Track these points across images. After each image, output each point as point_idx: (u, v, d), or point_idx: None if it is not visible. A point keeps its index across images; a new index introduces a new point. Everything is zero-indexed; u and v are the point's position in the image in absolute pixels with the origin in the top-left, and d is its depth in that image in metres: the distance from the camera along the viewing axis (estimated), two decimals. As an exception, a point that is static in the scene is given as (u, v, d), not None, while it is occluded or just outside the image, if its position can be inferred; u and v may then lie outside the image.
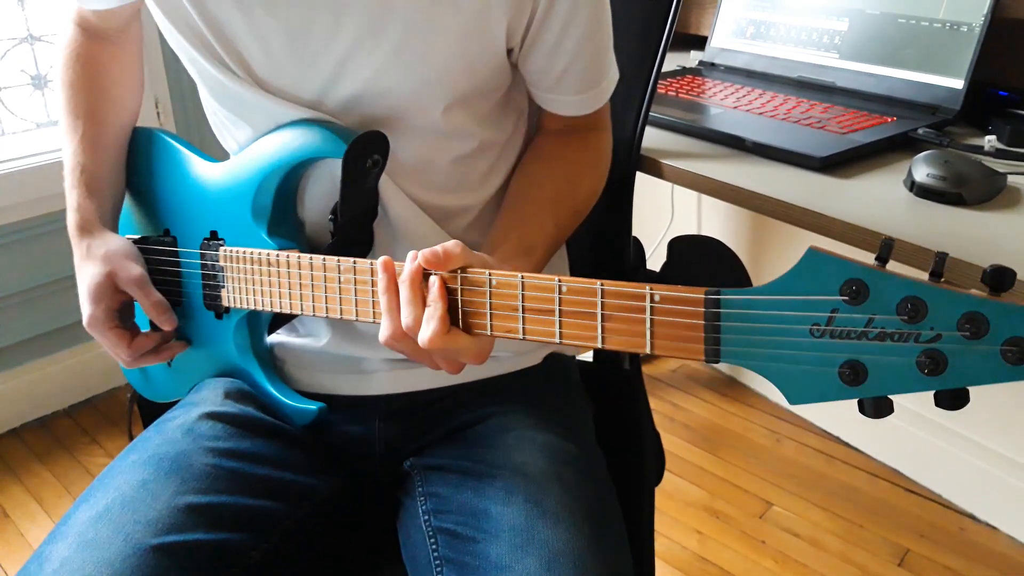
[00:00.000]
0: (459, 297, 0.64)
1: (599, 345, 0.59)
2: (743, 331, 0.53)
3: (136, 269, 0.81)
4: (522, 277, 0.61)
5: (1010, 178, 0.94)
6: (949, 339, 0.47)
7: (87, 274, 0.82)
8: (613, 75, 0.84)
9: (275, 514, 0.76)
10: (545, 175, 0.82)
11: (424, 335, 0.63)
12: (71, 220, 0.85)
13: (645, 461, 0.98)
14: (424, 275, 0.64)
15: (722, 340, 0.54)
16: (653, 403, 1.01)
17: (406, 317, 0.64)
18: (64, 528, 0.71)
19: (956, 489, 1.70)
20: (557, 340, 0.61)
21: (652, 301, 0.56)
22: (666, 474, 1.04)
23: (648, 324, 0.56)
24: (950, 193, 0.89)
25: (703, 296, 0.54)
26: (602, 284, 0.58)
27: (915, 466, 1.76)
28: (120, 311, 0.83)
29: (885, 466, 1.80)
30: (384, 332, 0.66)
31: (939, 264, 0.47)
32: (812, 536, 1.63)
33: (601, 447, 0.86)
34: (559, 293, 0.60)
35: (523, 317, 0.62)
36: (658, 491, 1.00)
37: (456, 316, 0.64)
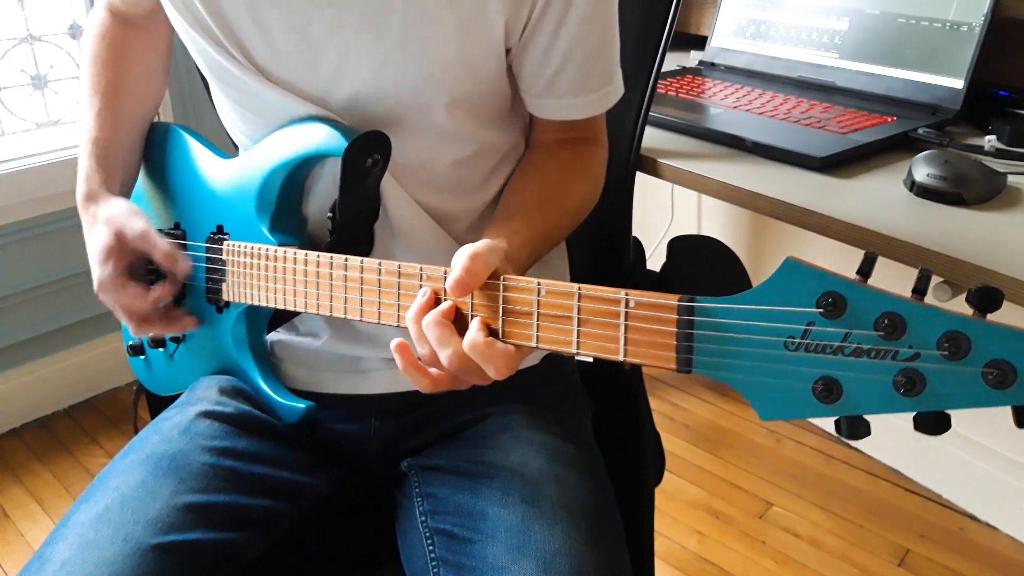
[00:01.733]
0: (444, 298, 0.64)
1: (573, 350, 0.58)
2: (716, 341, 0.51)
3: (140, 223, 0.80)
4: (504, 279, 0.61)
5: (1010, 178, 0.94)
6: (928, 358, 0.45)
7: (95, 239, 0.81)
8: (616, 87, 0.82)
9: (272, 513, 0.76)
10: (532, 181, 0.82)
11: (492, 374, 0.62)
12: (79, 191, 0.85)
13: (645, 461, 0.98)
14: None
15: (695, 350, 0.52)
16: (653, 403, 1.01)
17: (448, 361, 0.62)
18: (64, 529, 0.71)
19: (956, 489, 1.70)
20: (534, 343, 0.60)
21: (627, 307, 0.55)
22: (666, 474, 1.04)
23: (622, 330, 0.55)
24: (950, 193, 0.89)
25: (676, 303, 0.53)
26: (579, 288, 0.57)
27: (915, 466, 1.76)
28: (130, 271, 0.82)
29: (885, 466, 1.80)
30: (429, 389, 0.65)
31: (922, 280, 0.46)
32: (812, 536, 1.63)
33: (601, 447, 0.86)
34: (538, 296, 0.59)
35: (503, 320, 0.61)
36: (658, 491, 1.00)
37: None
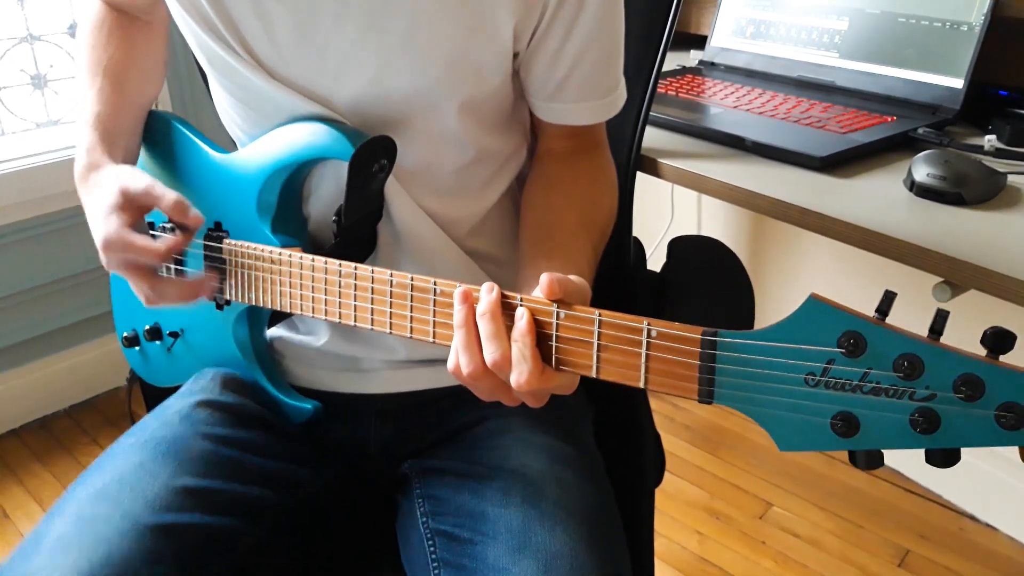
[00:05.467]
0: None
1: (593, 374, 0.59)
2: (738, 375, 0.53)
3: (144, 178, 0.75)
4: (520, 298, 0.61)
5: (1010, 178, 0.94)
6: (944, 399, 0.47)
7: (96, 200, 0.76)
8: (621, 93, 0.83)
9: (266, 502, 0.77)
10: (567, 202, 0.80)
11: (520, 377, 0.59)
12: (81, 163, 0.79)
13: (645, 462, 0.98)
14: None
15: (716, 382, 0.54)
16: (653, 403, 1.01)
17: (492, 353, 0.60)
18: (61, 506, 0.71)
19: (956, 490, 1.70)
20: (552, 364, 0.60)
21: (649, 336, 0.56)
22: (666, 474, 1.04)
23: (643, 359, 0.56)
24: (950, 193, 0.89)
25: (700, 336, 0.54)
26: (600, 314, 0.58)
27: (915, 466, 1.76)
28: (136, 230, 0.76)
29: (885, 466, 1.80)
30: (466, 369, 0.61)
31: (939, 321, 0.47)
32: (812, 537, 1.63)
33: (601, 448, 0.86)
34: (556, 319, 0.59)
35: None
36: (658, 492, 1.00)
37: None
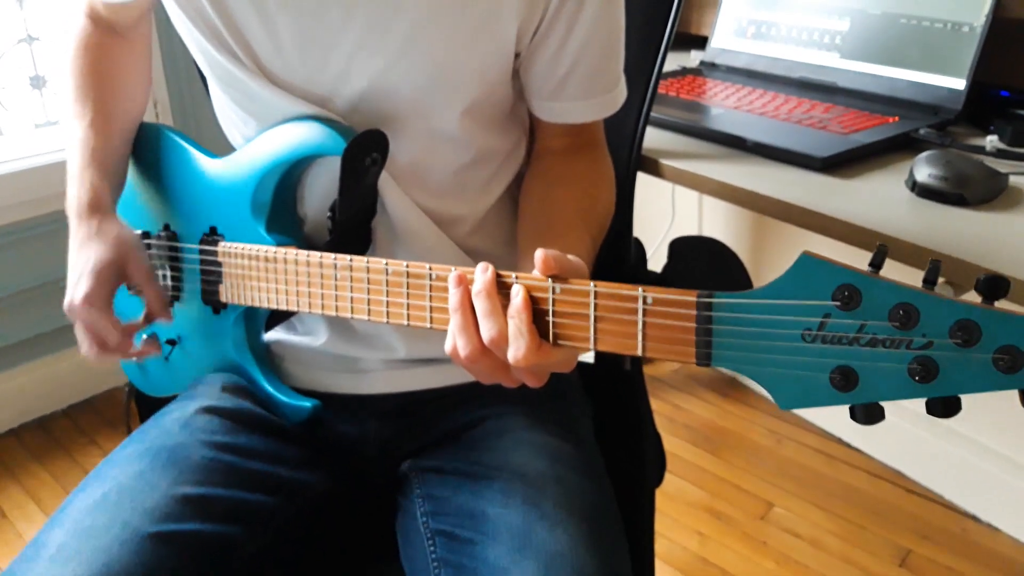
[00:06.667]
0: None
1: (591, 346, 0.59)
2: (735, 335, 0.53)
3: (147, 261, 0.81)
4: (516, 276, 0.61)
5: (1012, 178, 0.94)
6: (941, 346, 0.47)
7: (93, 252, 0.78)
8: (621, 90, 0.83)
9: (269, 508, 0.76)
10: (566, 195, 0.80)
11: (518, 352, 0.59)
12: (80, 198, 0.81)
13: (646, 462, 0.98)
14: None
15: (714, 344, 0.54)
16: (654, 404, 1.01)
17: (489, 331, 0.60)
18: (61, 516, 0.71)
19: (958, 490, 1.70)
20: (550, 340, 0.60)
21: (644, 303, 0.56)
22: (667, 475, 1.04)
23: (640, 326, 0.56)
24: (952, 193, 0.89)
25: (695, 299, 0.54)
26: (595, 285, 0.58)
27: (917, 467, 1.76)
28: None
29: (886, 467, 1.80)
30: (463, 351, 0.61)
31: (932, 271, 0.47)
32: (813, 537, 1.62)
33: (602, 448, 0.86)
34: (552, 294, 0.59)
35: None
36: (659, 492, 1.00)
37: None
